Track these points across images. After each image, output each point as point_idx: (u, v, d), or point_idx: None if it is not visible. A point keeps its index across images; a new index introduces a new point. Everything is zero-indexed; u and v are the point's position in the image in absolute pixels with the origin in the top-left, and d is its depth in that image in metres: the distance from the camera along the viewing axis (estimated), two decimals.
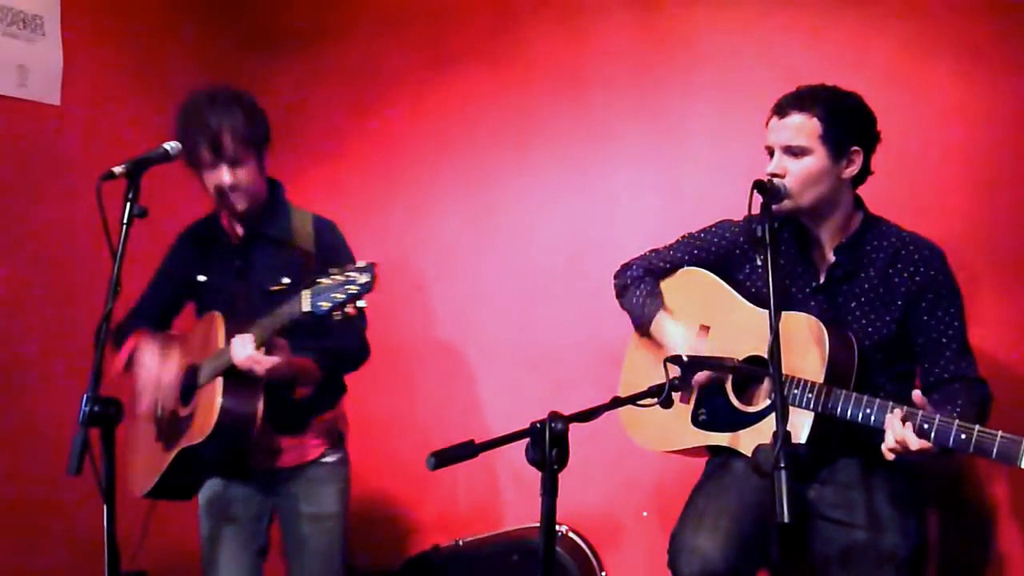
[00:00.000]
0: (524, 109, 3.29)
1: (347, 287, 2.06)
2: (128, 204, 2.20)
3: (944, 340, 2.23)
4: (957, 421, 1.91)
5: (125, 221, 2.19)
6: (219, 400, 2.32)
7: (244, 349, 2.28)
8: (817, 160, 2.20)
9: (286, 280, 2.47)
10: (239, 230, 2.58)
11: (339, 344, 2.52)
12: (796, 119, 2.20)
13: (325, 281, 2.10)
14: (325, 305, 2.08)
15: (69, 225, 3.05)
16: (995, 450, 1.85)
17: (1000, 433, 1.85)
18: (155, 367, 2.49)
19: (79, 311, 2.64)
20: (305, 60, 3.58)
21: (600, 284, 2.68)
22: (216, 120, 2.41)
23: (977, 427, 1.88)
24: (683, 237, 2.54)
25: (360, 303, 2.07)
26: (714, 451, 2.41)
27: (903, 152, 2.56)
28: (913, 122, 2.70)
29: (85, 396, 2.12)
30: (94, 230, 2.29)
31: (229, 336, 2.36)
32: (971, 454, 1.90)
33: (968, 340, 2.26)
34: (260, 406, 2.36)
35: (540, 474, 1.77)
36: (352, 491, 3.31)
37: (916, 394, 1.99)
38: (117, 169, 2.21)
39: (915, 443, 1.94)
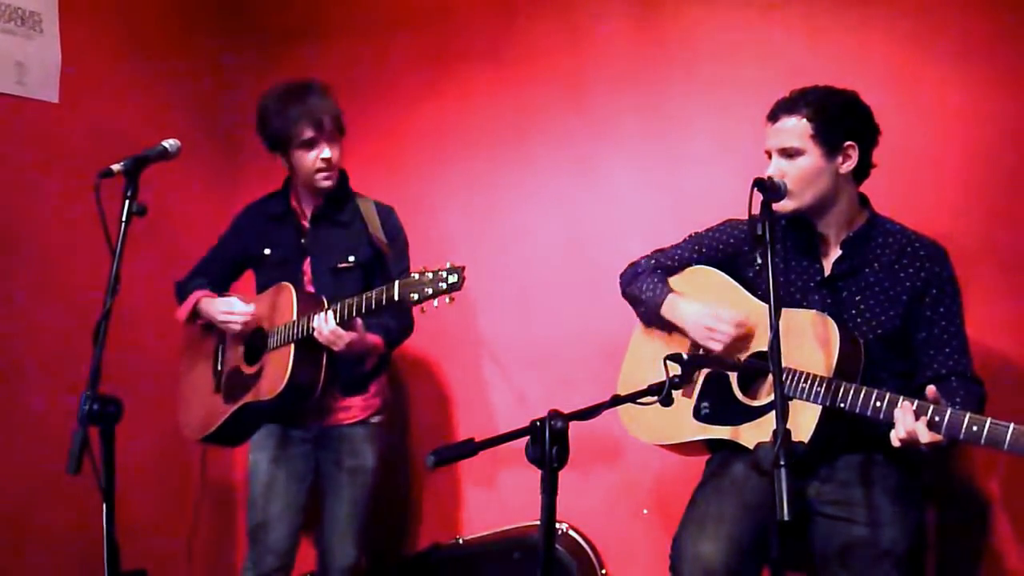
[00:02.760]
0: (525, 107, 3.29)
1: (438, 284, 2.31)
2: (127, 202, 2.19)
3: (945, 337, 2.25)
4: (969, 414, 1.93)
5: (124, 219, 2.18)
6: (291, 364, 2.59)
7: (328, 324, 2.53)
8: (811, 159, 2.24)
9: (351, 259, 2.77)
10: (307, 211, 2.84)
11: (401, 324, 2.81)
12: (787, 122, 2.25)
13: (416, 276, 2.35)
14: (415, 296, 2.33)
15: (68, 223, 3.05)
16: (1008, 441, 1.87)
17: (1012, 425, 1.87)
18: (233, 306, 2.74)
19: (78, 309, 2.64)
20: (305, 58, 3.57)
21: (601, 282, 2.69)
22: (317, 102, 2.71)
23: (989, 419, 1.90)
24: (689, 236, 2.55)
25: (447, 299, 2.32)
26: (713, 447, 2.41)
27: (902, 151, 2.56)
28: (913, 121, 2.70)
29: (84, 394, 2.11)
30: (93, 228, 2.30)
31: (300, 307, 2.63)
32: (982, 446, 1.92)
33: (967, 339, 2.28)
34: (323, 373, 2.65)
35: (540, 472, 1.77)
36: None
37: (931, 388, 2.01)
38: (116, 167, 2.20)
39: (926, 436, 1.97)
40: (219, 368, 2.85)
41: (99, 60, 3.26)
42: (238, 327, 2.74)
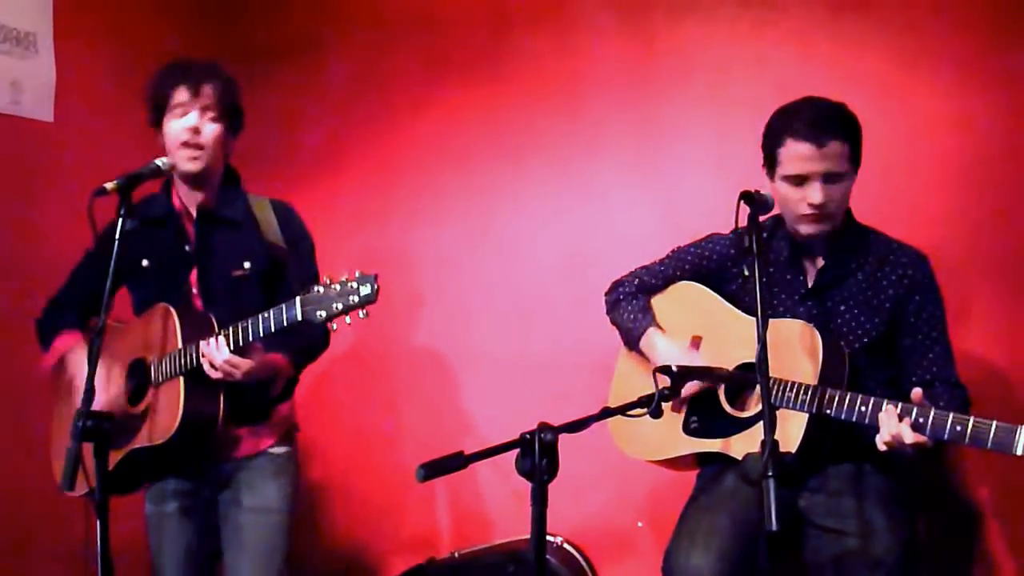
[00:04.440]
0: (520, 122, 3.31)
1: (349, 298, 2.04)
2: (120, 220, 2.21)
3: (928, 343, 2.28)
4: (952, 414, 1.96)
5: (118, 237, 2.19)
6: (182, 401, 2.25)
7: (220, 353, 2.21)
8: (849, 181, 2.28)
9: (247, 265, 2.41)
10: (192, 211, 2.45)
11: (310, 342, 2.45)
12: (835, 147, 2.22)
13: (320, 290, 2.07)
14: (322, 315, 2.05)
15: (62, 241, 3.05)
16: (991, 439, 1.89)
17: (995, 422, 1.90)
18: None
19: None
20: (299, 73, 3.60)
21: (594, 296, 2.69)
22: (200, 70, 2.41)
23: (972, 418, 1.92)
24: (673, 252, 2.56)
25: (361, 313, 2.05)
26: (705, 462, 2.42)
27: (891, 162, 2.60)
28: (901, 133, 2.74)
29: (77, 411, 2.12)
30: (87, 245, 2.32)
31: (185, 331, 2.29)
32: (966, 445, 1.94)
33: (951, 346, 2.31)
34: (221, 406, 2.31)
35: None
36: (345, 504, 3.32)
37: (916, 392, 2.03)
38: (109, 185, 2.22)
39: (910, 437, 1.98)
40: None
41: (93, 79, 3.28)
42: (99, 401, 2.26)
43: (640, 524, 3.04)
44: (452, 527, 3.31)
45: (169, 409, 2.29)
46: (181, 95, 2.38)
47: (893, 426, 2.01)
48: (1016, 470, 1.91)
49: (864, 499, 2.22)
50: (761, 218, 2.14)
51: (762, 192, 2.16)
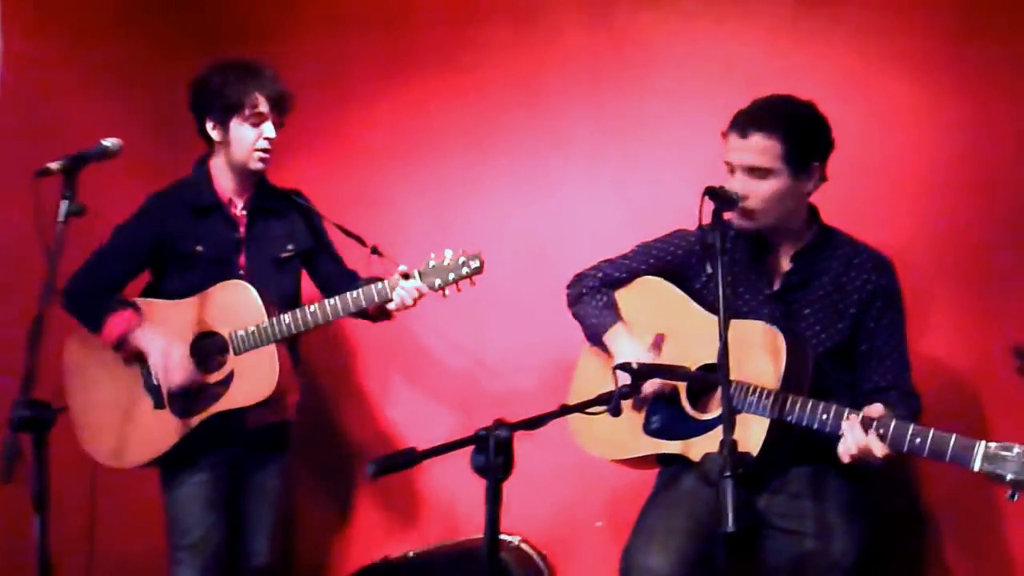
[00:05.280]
0: (480, 115, 3.28)
1: (462, 269, 2.52)
2: (64, 202, 2.16)
3: (887, 349, 2.29)
4: (912, 426, 1.95)
5: (61, 219, 2.15)
6: (279, 363, 2.58)
7: (409, 288, 2.55)
8: (779, 180, 2.23)
9: (291, 247, 2.77)
10: (238, 202, 2.74)
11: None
12: (758, 140, 2.21)
13: (435, 263, 2.54)
14: (439, 282, 2.54)
15: (3, 223, 2.97)
16: (949, 452, 1.89)
17: (954, 435, 1.90)
18: (164, 346, 2.60)
19: (13, 312, 2.56)
20: (260, 58, 3.53)
21: (555, 291, 2.67)
22: (275, 79, 2.69)
23: (932, 430, 1.92)
24: (638, 246, 2.55)
25: (468, 283, 2.54)
26: (665, 462, 2.42)
27: (857, 161, 2.59)
28: (868, 131, 2.73)
29: (15, 400, 2.07)
30: (30, 228, 2.25)
31: (266, 303, 2.59)
32: (925, 457, 1.95)
33: (907, 352, 2.32)
34: (292, 372, 2.70)
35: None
36: (297, 501, 3.27)
37: (876, 406, 2.03)
38: (53, 165, 2.18)
39: (880, 450, 1.98)
40: (155, 382, 2.64)
41: (45, 55, 3.19)
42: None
43: (599, 524, 3.03)
44: (408, 525, 3.28)
45: (263, 374, 2.58)
46: (262, 104, 2.66)
47: (860, 438, 2.00)
48: (974, 476, 1.88)
49: (824, 501, 2.23)
50: (727, 215, 2.13)
51: (727, 188, 2.15)
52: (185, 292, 2.66)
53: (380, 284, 2.58)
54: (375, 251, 2.68)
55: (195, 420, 2.61)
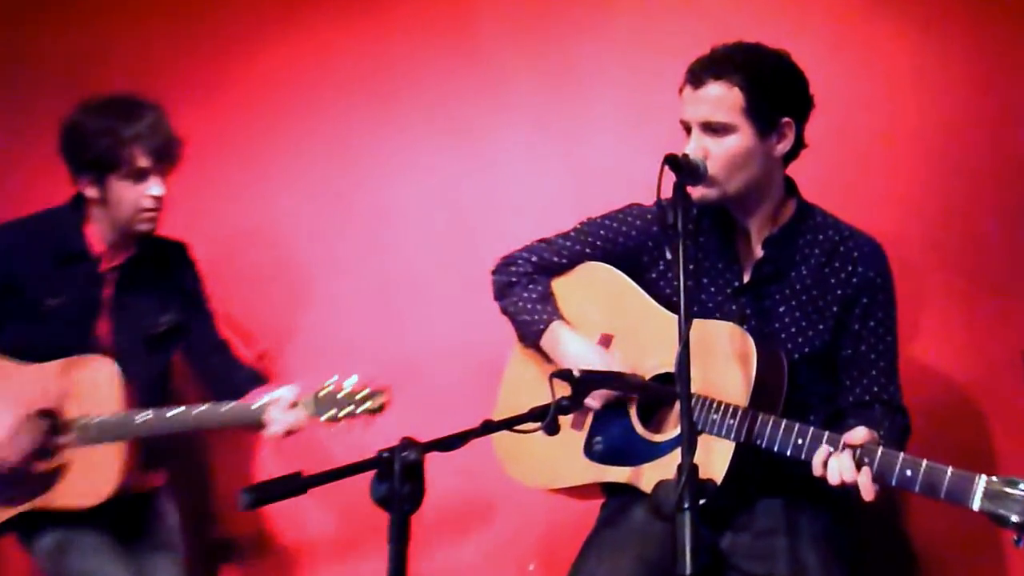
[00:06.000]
0: (395, 62, 3.28)
1: (360, 405, 2.62)
2: None
3: (873, 356, 2.31)
4: (902, 455, 1.96)
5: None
6: (118, 470, 2.61)
7: (296, 415, 2.63)
8: (742, 138, 2.24)
9: (164, 319, 2.83)
10: (112, 257, 2.76)
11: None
12: (714, 90, 2.23)
13: (331, 391, 2.63)
14: (331, 415, 2.62)
15: None
16: (944, 488, 1.89)
17: (950, 469, 1.90)
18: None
19: None
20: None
21: (481, 279, 2.69)
22: (158, 124, 2.70)
23: (925, 462, 1.93)
24: (582, 224, 2.54)
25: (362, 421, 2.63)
26: (611, 491, 2.42)
27: (845, 130, 2.65)
28: (859, 95, 2.79)
29: None
30: None
31: (127, 389, 2.63)
32: (916, 493, 1.95)
33: (896, 360, 2.35)
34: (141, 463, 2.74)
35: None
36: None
37: (860, 431, 2.01)
38: None
39: (870, 491, 1.97)
40: None
41: None
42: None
43: (532, 567, 3.04)
44: (303, 561, 3.28)
45: (101, 472, 2.62)
46: (141, 159, 2.68)
47: (848, 473, 1.98)
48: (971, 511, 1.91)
49: (798, 539, 2.25)
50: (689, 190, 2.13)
51: (692, 156, 2.16)
52: (26, 349, 2.69)
53: (256, 406, 2.66)
54: (262, 358, 2.79)
55: (3, 515, 2.66)
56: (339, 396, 2.63)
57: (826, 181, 2.49)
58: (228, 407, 2.66)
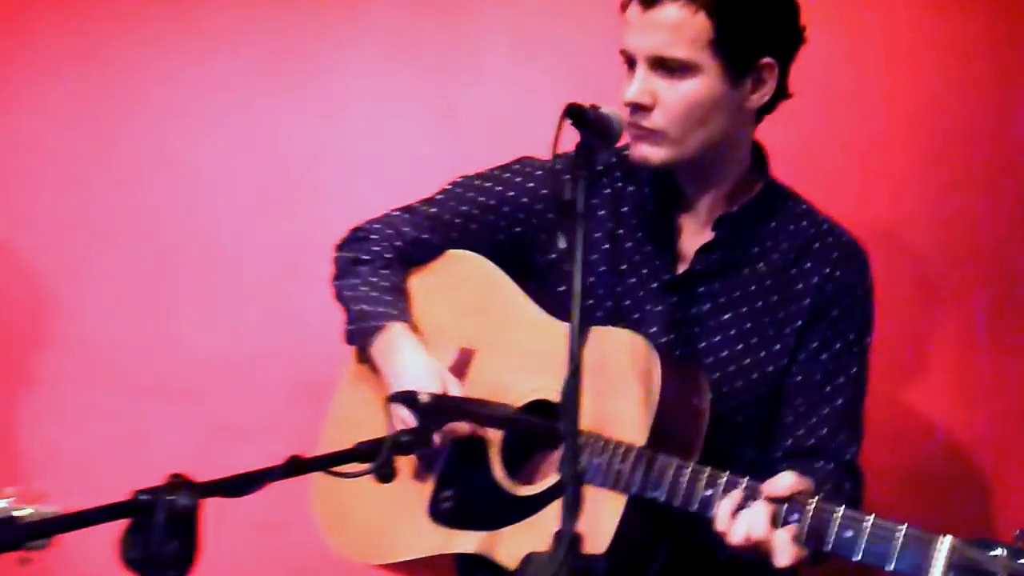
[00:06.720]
0: None
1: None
2: None
3: (829, 389, 2.33)
4: (843, 510, 1.98)
5: None
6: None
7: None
8: (706, 82, 2.23)
9: None
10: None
11: None
12: (672, 13, 2.20)
13: None
14: None
15: None
16: (895, 555, 1.91)
17: (906, 527, 1.92)
18: None
19: None
20: None
21: (313, 261, 2.70)
22: None
23: (872, 517, 1.95)
24: (454, 184, 2.55)
25: None
26: (468, 567, 2.40)
27: (833, 104, 2.76)
28: (850, 64, 2.91)
29: None
30: None
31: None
32: (858, 561, 1.96)
33: (862, 405, 2.38)
34: None
35: None
36: None
37: (786, 477, 2.04)
38: None
39: (786, 553, 1.99)
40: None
41: None
42: None
43: None
44: None
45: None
46: None
47: (757, 528, 2.00)
48: None
49: None
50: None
51: (604, 108, 2.10)
52: None
53: None
54: None
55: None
56: None
57: (807, 162, 2.63)
58: None
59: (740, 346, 2.33)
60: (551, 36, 2.97)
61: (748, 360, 2.32)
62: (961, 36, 2.90)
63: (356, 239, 2.56)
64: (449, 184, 2.54)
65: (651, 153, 2.25)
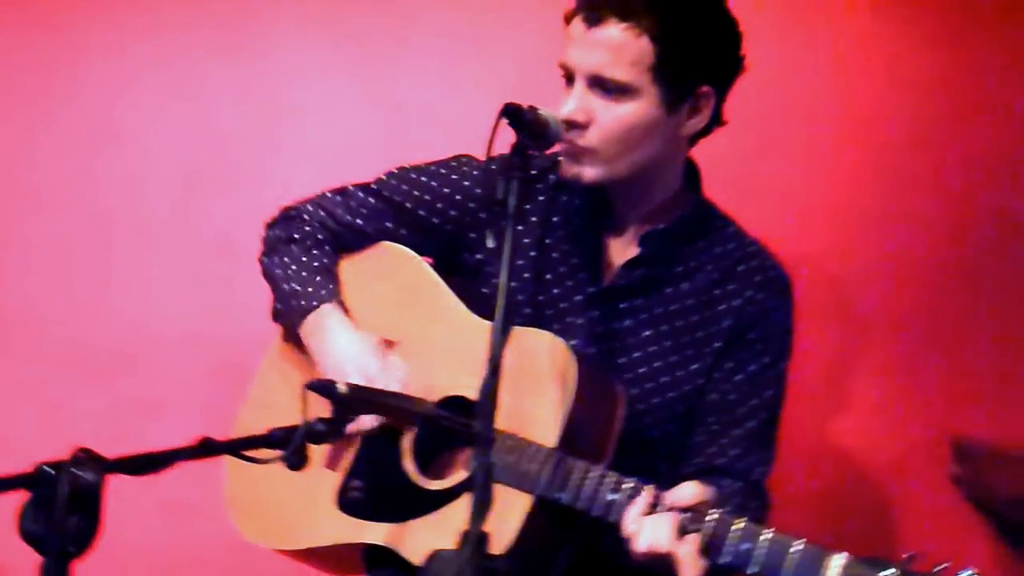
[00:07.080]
0: None
1: None
2: None
3: (742, 410, 2.33)
4: (744, 523, 2.00)
5: None
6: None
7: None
8: (643, 106, 2.24)
9: None
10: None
11: None
12: (614, 34, 2.21)
13: None
14: None
15: None
16: (791, 569, 1.93)
17: (803, 543, 1.94)
18: None
19: None
20: None
21: (239, 241, 2.75)
22: None
23: (772, 531, 1.97)
24: (391, 173, 2.52)
25: None
26: (374, 560, 2.37)
27: (776, 116, 2.76)
28: (798, 73, 2.93)
29: None
30: None
31: None
32: (754, 574, 1.98)
33: (775, 428, 2.39)
34: None
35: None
36: None
37: (688, 487, 2.07)
38: None
39: (693, 569, 2.01)
40: None
41: None
42: None
43: None
44: None
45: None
46: None
47: (662, 539, 2.01)
48: None
49: None
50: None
51: (542, 110, 2.11)
52: None
53: None
54: None
55: None
56: None
57: (741, 177, 2.63)
58: None
59: (659, 363, 2.34)
60: (495, 29, 2.99)
61: (666, 378, 2.34)
62: (907, 44, 2.95)
63: (287, 218, 2.55)
64: (385, 174, 2.52)
65: (582, 172, 2.27)
